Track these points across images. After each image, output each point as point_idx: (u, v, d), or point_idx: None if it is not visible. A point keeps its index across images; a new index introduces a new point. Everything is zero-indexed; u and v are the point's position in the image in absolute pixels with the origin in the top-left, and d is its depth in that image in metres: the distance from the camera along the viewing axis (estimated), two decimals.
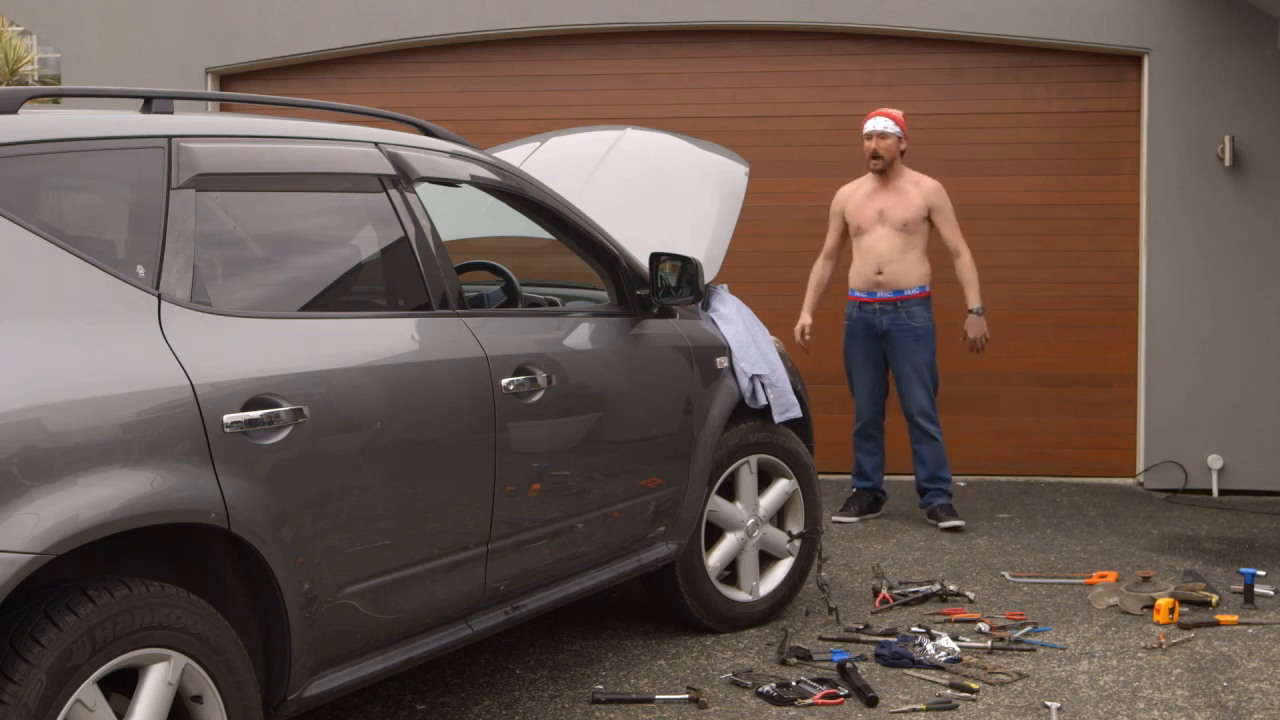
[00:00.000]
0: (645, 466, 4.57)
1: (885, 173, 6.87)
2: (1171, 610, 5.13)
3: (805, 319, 7.08)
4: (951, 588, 5.51)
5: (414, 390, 3.55)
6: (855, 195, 6.99)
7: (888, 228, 6.83)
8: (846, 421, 7.62)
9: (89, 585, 2.71)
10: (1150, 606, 5.22)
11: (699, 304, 4.99)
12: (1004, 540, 6.58)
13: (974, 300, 6.91)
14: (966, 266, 6.89)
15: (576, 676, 4.58)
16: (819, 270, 7.18)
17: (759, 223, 7.40)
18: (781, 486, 5.19)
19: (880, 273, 6.84)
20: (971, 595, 5.48)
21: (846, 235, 7.06)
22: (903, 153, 6.91)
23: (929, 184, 6.90)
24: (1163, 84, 7.88)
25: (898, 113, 6.93)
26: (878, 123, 6.86)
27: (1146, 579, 5.63)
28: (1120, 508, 7.40)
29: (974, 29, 8.02)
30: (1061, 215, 8.10)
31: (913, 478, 7.05)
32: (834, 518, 6.87)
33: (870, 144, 6.85)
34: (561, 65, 8.41)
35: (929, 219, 6.86)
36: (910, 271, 6.82)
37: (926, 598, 5.43)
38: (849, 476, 7.17)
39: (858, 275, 6.95)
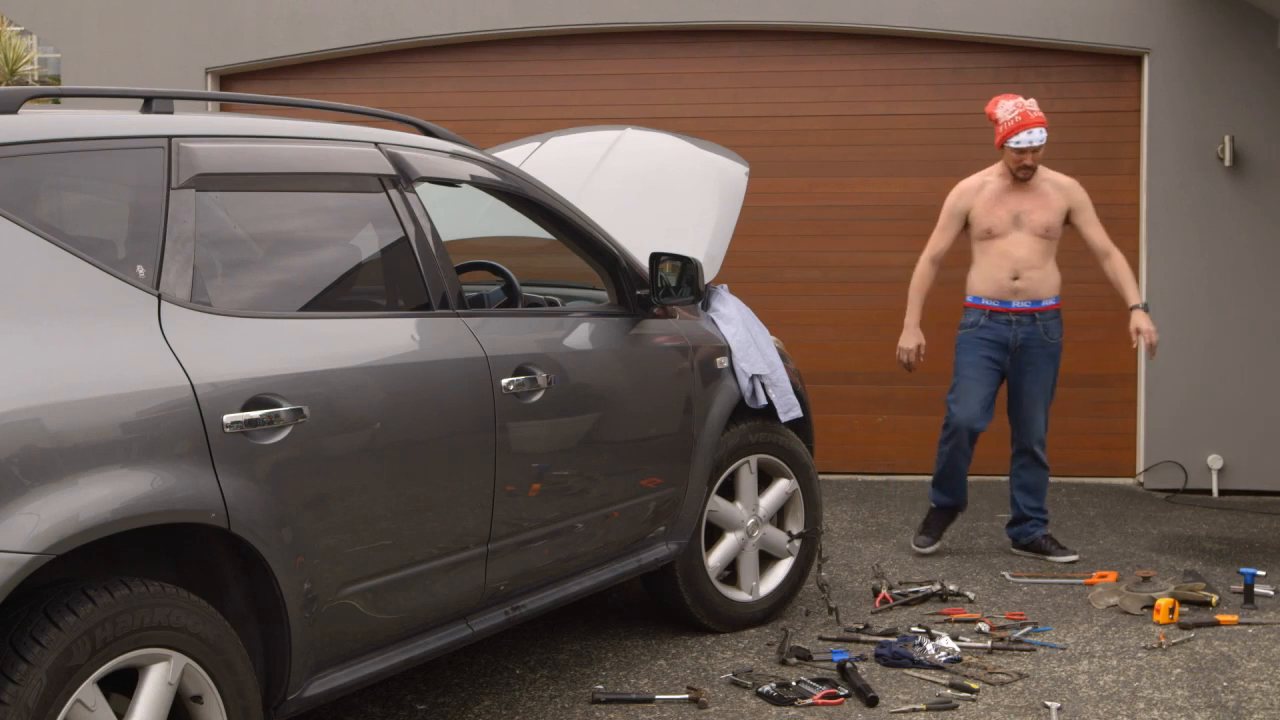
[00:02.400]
0: (645, 466, 4.57)
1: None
2: (1171, 610, 5.13)
3: (919, 337, 6.24)
4: (951, 588, 5.50)
5: (414, 390, 3.55)
6: (983, 194, 6.25)
7: (1025, 232, 6.13)
8: (847, 422, 7.64)
9: (89, 585, 2.71)
10: (1150, 606, 5.22)
11: (699, 304, 4.99)
12: (1004, 540, 6.57)
13: (1136, 296, 6.18)
14: (1121, 265, 6.21)
15: (576, 676, 4.58)
16: (926, 276, 6.32)
17: (759, 223, 7.40)
18: (781, 486, 5.19)
19: (1018, 279, 6.13)
20: (971, 595, 5.48)
21: (958, 239, 6.37)
22: None
23: (1067, 182, 6.26)
24: (1163, 84, 7.88)
25: (1042, 114, 6.20)
26: (1036, 135, 6.08)
27: (1146, 579, 5.63)
28: (1120, 508, 7.40)
29: (974, 29, 8.02)
30: None
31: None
32: (917, 549, 6.27)
33: (1024, 158, 6.12)
34: (561, 65, 8.41)
35: (1068, 221, 6.23)
36: (1049, 279, 6.17)
37: (926, 598, 5.43)
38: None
39: (988, 282, 6.18)
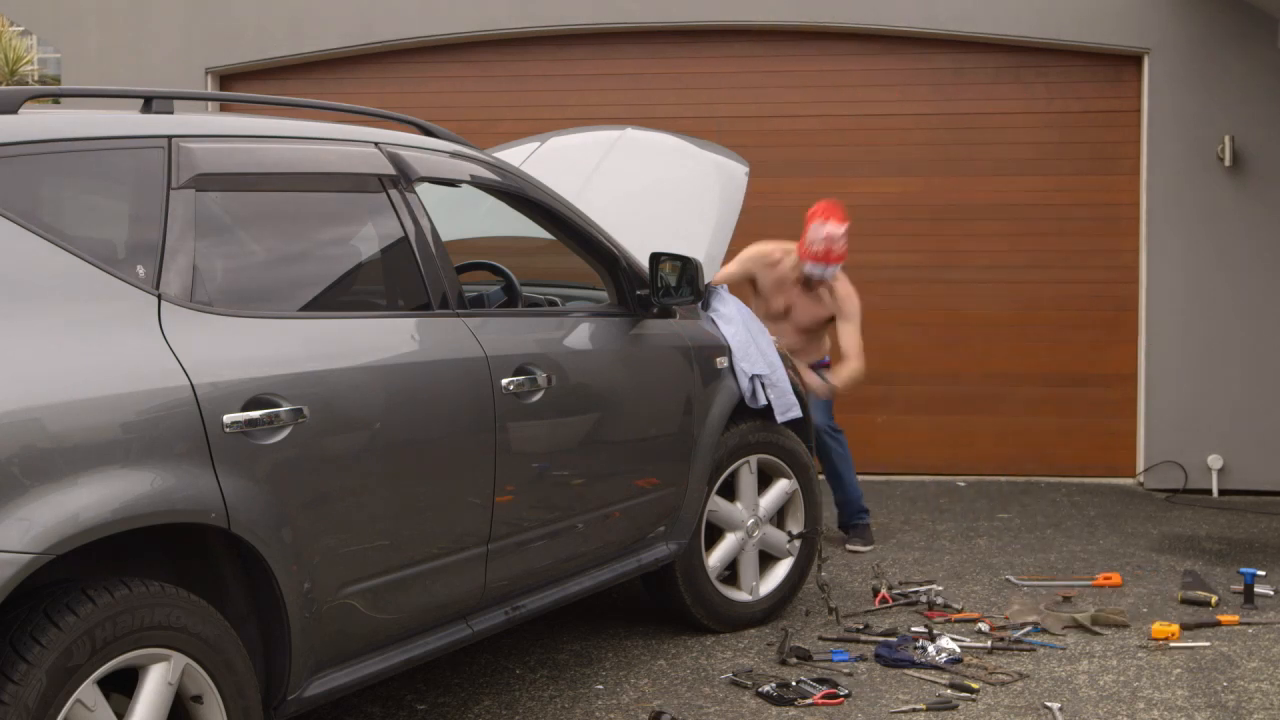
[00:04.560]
0: (645, 466, 4.56)
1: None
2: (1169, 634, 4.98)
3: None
4: (939, 601, 5.39)
5: (414, 390, 3.54)
6: (774, 272, 6.33)
7: (789, 325, 6.32)
8: (847, 422, 7.62)
9: (89, 585, 2.71)
10: (1072, 626, 5.05)
11: (699, 304, 4.99)
12: (1004, 540, 6.58)
13: (838, 377, 6.27)
14: (846, 369, 6.25)
15: (576, 676, 4.58)
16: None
17: (759, 223, 7.39)
18: (781, 486, 5.18)
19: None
20: (959, 606, 5.40)
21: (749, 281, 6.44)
22: None
23: (842, 293, 6.28)
24: (1163, 84, 7.88)
25: (843, 251, 6.21)
26: (828, 272, 6.16)
27: (1067, 599, 5.47)
28: (1120, 508, 7.40)
29: (974, 29, 8.03)
30: (1061, 215, 8.10)
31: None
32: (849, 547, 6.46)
33: (812, 276, 6.19)
34: (561, 65, 8.41)
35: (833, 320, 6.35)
36: (811, 356, 6.39)
37: (915, 603, 5.39)
38: (861, 476, 7.13)
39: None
